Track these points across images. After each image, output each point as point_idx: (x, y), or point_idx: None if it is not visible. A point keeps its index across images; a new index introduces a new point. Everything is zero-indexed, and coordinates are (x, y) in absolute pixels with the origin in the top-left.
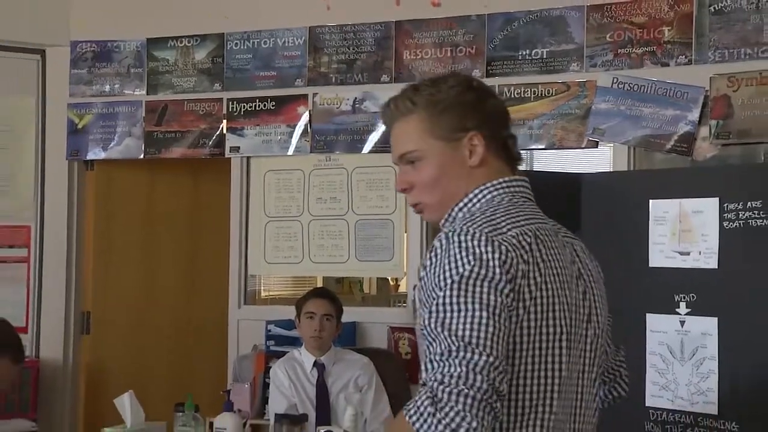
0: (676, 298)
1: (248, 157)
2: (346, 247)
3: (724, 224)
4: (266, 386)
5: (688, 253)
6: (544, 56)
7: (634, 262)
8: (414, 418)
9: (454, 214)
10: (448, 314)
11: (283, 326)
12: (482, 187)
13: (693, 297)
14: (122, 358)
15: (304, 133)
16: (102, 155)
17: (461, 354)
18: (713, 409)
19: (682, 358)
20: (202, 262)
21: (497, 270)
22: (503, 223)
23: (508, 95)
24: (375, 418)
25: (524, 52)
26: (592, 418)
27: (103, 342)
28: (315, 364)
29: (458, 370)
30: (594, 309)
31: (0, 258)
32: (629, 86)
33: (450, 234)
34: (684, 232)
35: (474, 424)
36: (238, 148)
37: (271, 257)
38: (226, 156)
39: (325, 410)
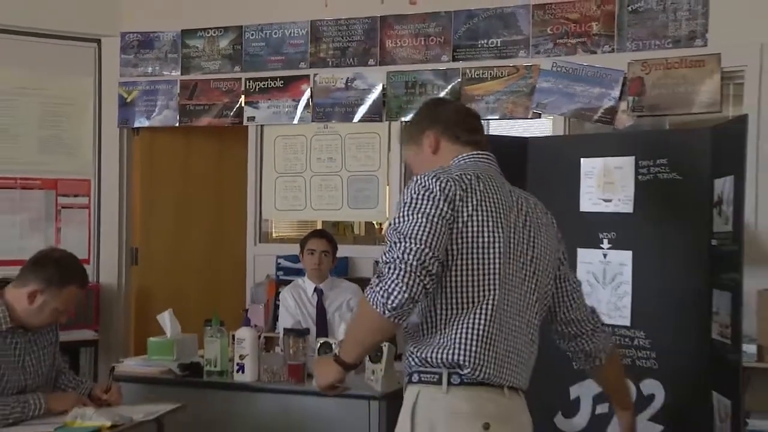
0: (600, 235)
1: (262, 125)
2: (340, 197)
3: (639, 177)
4: (276, 307)
5: (610, 200)
6: (499, 45)
7: (568, 208)
8: (367, 293)
9: None
10: (398, 223)
11: (290, 260)
12: (453, 161)
13: (613, 235)
14: (163, 284)
15: (307, 106)
16: (146, 123)
17: (402, 244)
18: (627, 322)
19: (604, 282)
20: (225, 208)
21: (438, 193)
22: (453, 171)
23: (469, 76)
24: None
25: (483, 42)
26: (531, 335)
27: (148, 271)
28: (315, 290)
29: (397, 254)
30: (536, 238)
31: (67, 205)
32: (565, 69)
33: (411, 181)
34: (607, 184)
35: (404, 289)
36: (254, 118)
37: (280, 205)
38: (244, 124)
39: (323, 326)
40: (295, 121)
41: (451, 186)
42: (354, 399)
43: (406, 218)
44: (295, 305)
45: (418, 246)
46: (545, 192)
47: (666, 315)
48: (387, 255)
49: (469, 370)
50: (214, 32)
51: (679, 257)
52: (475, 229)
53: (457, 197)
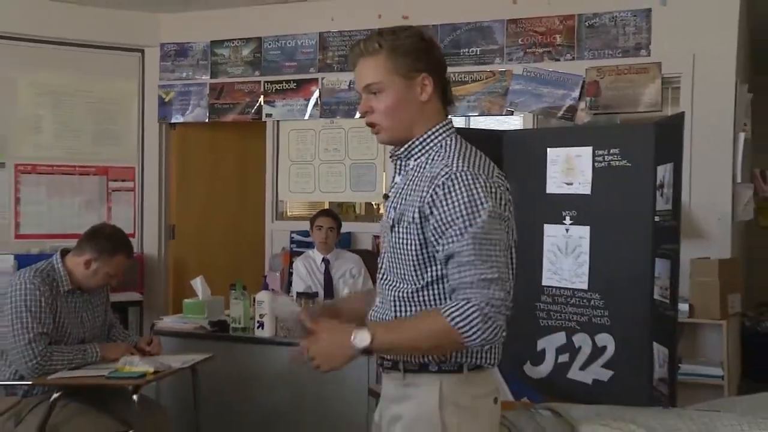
0: (564, 213)
1: (278, 121)
2: (344, 181)
3: (595, 164)
4: (290, 274)
5: (571, 184)
6: (478, 53)
7: (536, 190)
8: (461, 325)
9: (416, 147)
10: (484, 248)
11: (302, 234)
12: (438, 127)
13: (574, 213)
14: (195, 255)
15: (316, 104)
16: (181, 119)
17: (500, 283)
18: (585, 286)
19: (566, 253)
20: (247, 191)
21: (504, 212)
22: (490, 167)
23: (454, 79)
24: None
25: (464, 50)
26: None
27: (182, 244)
28: (323, 260)
29: (500, 295)
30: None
31: (116, 188)
32: (534, 74)
33: (465, 173)
34: (569, 170)
35: (504, 334)
36: (271, 114)
37: (293, 188)
38: (263, 120)
39: (330, 290)
40: (306, 117)
41: (507, 200)
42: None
43: (493, 240)
44: (306, 273)
45: (508, 285)
46: (518, 177)
47: (617, 280)
48: (482, 290)
49: (486, 361)
50: (238, 43)
51: (628, 231)
52: (510, 237)
53: (508, 213)
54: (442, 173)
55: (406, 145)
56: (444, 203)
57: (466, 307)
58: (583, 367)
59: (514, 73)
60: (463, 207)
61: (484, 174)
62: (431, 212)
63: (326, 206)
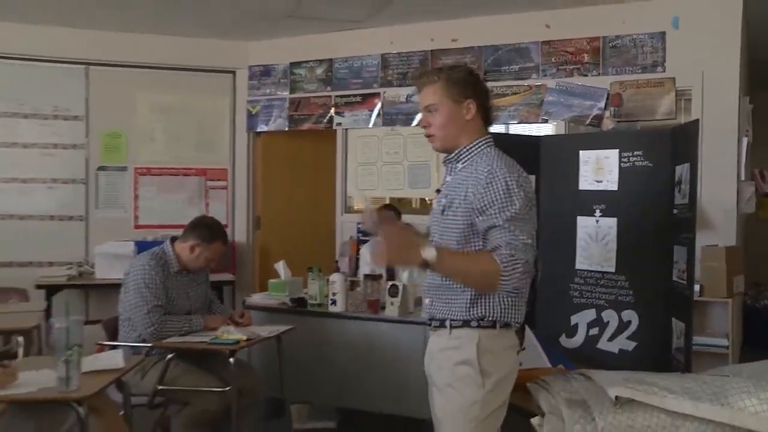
0: (594, 207)
1: (346, 129)
2: (402, 180)
3: (621, 164)
4: (357, 259)
5: (601, 181)
6: (516, 70)
7: (570, 187)
8: (506, 269)
9: (464, 153)
10: (520, 223)
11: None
12: (481, 140)
13: (603, 206)
14: (278, 243)
15: (378, 114)
16: (265, 129)
17: (533, 251)
18: (612, 269)
19: (596, 240)
20: (320, 188)
21: (531, 201)
22: (521, 171)
23: (496, 92)
24: (420, 274)
25: (505, 68)
26: None
27: (267, 233)
28: None
29: (532, 258)
30: None
31: (213, 187)
32: (565, 88)
33: (504, 171)
34: (599, 169)
35: (521, 286)
36: (341, 123)
37: (360, 185)
38: (334, 128)
39: (391, 273)
40: (370, 126)
41: (533, 191)
42: (414, 324)
43: (520, 221)
44: (370, 258)
45: (534, 250)
46: (553, 175)
47: (640, 264)
48: (518, 253)
49: (513, 320)
50: (313, 64)
51: (650, 222)
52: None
53: (534, 199)
54: (485, 171)
55: (455, 152)
56: (486, 190)
57: (511, 259)
58: (610, 339)
59: (548, 87)
60: (502, 194)
61: (516, 173)
62: (475, 198)
63: (387, 201)
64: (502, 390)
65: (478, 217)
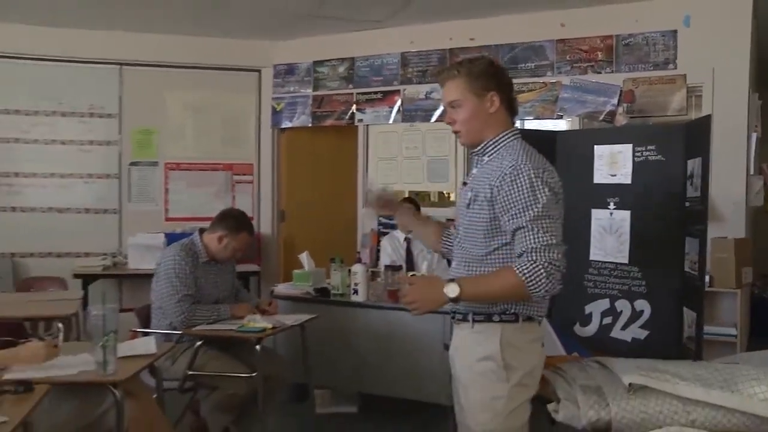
0: (608, 200)
1: (367, 125)
2: (422, 174)
3: (635, 158)
4: (378, 250)
5: (615, 175)
6: (532, 68)
7: (585, 180)
8: (530, 280)
9: (490, 146)
10: (544, 222)
11: (387, 218)
12: (506, 132)
13: (617, 199)
14: (302, 235)
15: (398, 111)
16: (289, 125)
17: (558, 248)
18: (626, 260)
19: (610, 232)
20: (342, 182)
21: (558, 201)
22: (546, 164)
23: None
24: (438, 265)
25: (521, 65)
26: None
27: (291, 225)
28: (405, 238)
29: (558, 257)
30: None
31: (239, 181)
32: (579, 84)
33: (528, 166)
34: (613, 163)
35: (560, 287)
36: (362, 119)
37: (380, 179)
38: (355, 124)
39: (410, 264)
40: (390, 122)
41: (560, 187)
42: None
43: (546, 219)
44: (391, 249)
45: (562, 248)
46: (569, 170)
47: (653, 255)
48: (545, 252)
49: (536, 314)
50: (335, 62)
51: (662, 215)
52: (562, 215)
53: (561, 196)
54: (510, 165)
55: (481, 145)
56: (510, 187)
57: (532, 267)
58: (623, 328)
59: (562, 84)
60: (526, 191)
61: (541, 167)
62: (499, 193)
63: (407, 194)
64: (528, 384)
65: (503, 215)
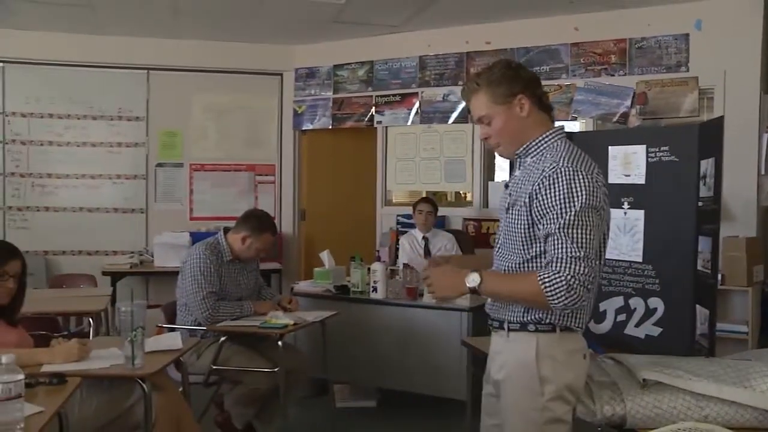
0: (622, 200)
1: (386, 127)
2: (439, 174)
3: (649, 159)
4: (397, 249)
5: (629, 175)
6: (547, 70)
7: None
8: (549, 290)
9: (533, 147)
10: (576, 231)
11: (405, 217)
12: (550, 133)
13: (631, 199)
14: (322, 233)
15: (417, 113)
16: (310, 127)
17: (585, 261)
18: (639, 258)
19: (625, 231)
20: (362, 182)
21: (598, 204)
22: (591, 165)
23: None
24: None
25: (536, 68)
26: None
27: (312, 225)
28: (423, 237)
29: (584, 271)
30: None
31: (261, 181)
32: (593, 87)
33: (569, 169)
34: (627, 164)
35: (584, 303)
36: (381, 121)
37: (399, 180)
38: (374, 126)
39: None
40: (409, 123)
41: (603, 194)
42: (450, 310)
43: (579, 227)
44: (409, 248)
45: (595, 263)
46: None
47: (666, 254)
48: (570, 264)
49: (575, 324)
50: (355, 65)
51: (676, 214)
52: (605, 228)
53: (604, 205)
54: (550, 167)
55: (524, 146)
56: (547, 191)
57: (554, 277)
58: (637, 325)
59: (577, 86)
60: (563, 196)
61: (584, 170)
62: (536, 197)
63: (425, 194)
64: (567, 398)
65: (539, 221)
